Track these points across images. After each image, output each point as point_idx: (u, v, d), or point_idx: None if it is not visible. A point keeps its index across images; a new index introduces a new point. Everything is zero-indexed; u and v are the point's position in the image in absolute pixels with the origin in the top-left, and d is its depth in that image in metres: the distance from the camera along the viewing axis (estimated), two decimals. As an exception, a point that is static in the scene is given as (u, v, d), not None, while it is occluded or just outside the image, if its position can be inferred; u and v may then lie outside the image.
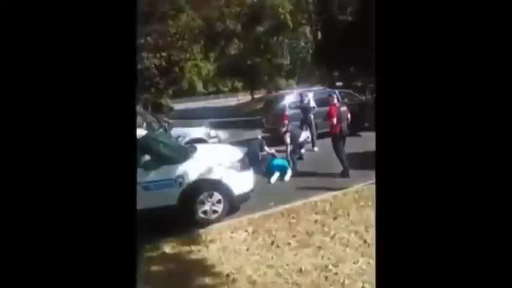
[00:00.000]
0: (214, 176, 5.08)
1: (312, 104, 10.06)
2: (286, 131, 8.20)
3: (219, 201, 5.08)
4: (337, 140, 6.99)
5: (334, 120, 6.85)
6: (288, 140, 8.09)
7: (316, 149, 9.47)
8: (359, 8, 17.90)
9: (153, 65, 21.00)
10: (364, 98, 13.43)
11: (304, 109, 9.89)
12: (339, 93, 11.91)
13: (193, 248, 4.15)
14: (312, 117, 9.82)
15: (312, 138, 9.54)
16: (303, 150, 8.71)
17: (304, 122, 9.71)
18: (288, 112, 10.19)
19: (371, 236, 3.98)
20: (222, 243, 4.20)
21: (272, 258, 3.77)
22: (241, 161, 5.51)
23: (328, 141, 7.57)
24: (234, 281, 3.39)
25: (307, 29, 29.02)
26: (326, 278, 3.31)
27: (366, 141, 9.52)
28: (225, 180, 5.12)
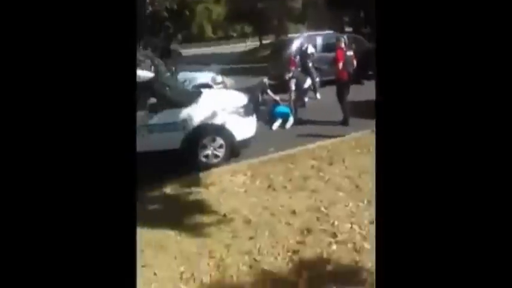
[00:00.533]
0: (217, 121, 5.19)
1: (311, 50, 9.78)
2: (291, 77, 8.12)
3: (220, 146, 5.24)
4: (342, 86, 6.94)
5: (340, 65, 6.76)
6: (292, 86, 8.01)
7: (318, 96, 9.38)
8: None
9: (163, 8, 20.37)
10: (370, 45, 12.99)
11: (304, 56, 9.69)
12: (347, 38, 11.57)
13: (193, 189, 4.37)
14: (311, 64, 9.60)
15: (314, 86, 9.35)
16: (306, 99, 8.69)
17: (304, 69, 9.49)
18: (294, 58, 10.01)
19: (363, 181, 4.13)
20: (221, 186, 4.41)
21: (268, 200, 3.98)
22: (245, 107, 5.57)
23: (332, 88, 7.53)
24: (230, 220, 3.62)
25: (320, -30, 27.40)
26: (317, 218, 3.51)
27: (368, 90, 9.45)
28: (227, 126, 5.23)
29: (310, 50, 9.77)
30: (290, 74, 8.18)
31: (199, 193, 4.29)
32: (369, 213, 3.46)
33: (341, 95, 6.94)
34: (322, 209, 3.67)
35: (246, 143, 5.50)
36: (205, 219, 3.67)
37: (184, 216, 3.74)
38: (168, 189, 4.45)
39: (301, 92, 8.11)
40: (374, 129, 6.04)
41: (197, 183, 4.56)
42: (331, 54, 8.49)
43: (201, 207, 3.95)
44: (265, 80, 8.96)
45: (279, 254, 3.03)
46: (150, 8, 19.62)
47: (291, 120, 7.29)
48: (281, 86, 9.03)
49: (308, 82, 8.50)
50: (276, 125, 7.20)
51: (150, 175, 4.42)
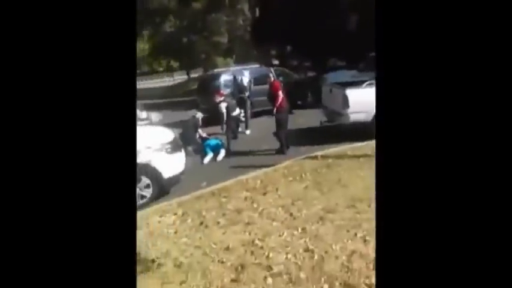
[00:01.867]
0: (142, 159, 4.90)
1: (246, 81, 9.75)
2: (221, 101, 8.08)
3: (147, 186, 4.94)
4: (282, 115, 7.03)
5: (281, 95, 6.92)
6: (223, 109, 7.91)
7: (248, 131, 9.16)
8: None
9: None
10: (298, 76, 13.71)
11: (240, 88, 9.70)
12: (274, 71, 12.02)
13: (118, 235, 4.00)
14: (247, 95, 9.59)
15: (246, 120, 9.27)
16: (239, 128, 8.70)
17: (240, 102, 9.36)
18: (223, 90, 10.08)
19: (296, 209, 4.12)
20: (149, 228, 4.10)
21: (200, 238, 3.76)
22: (172, 142, 5.36)
23: (263, 119, 7.65)
24: (159, 265, 3.33)
25: (245, 6, 28.67)
26: (252, 252, 3.37)
27: (298, 119, 9.82)
28: (153, 164, 4.97)
29: (246, 81, 9.69)
30: (220, 98, 8.14)
31: (124, 239, 3.93)
32: (303, 241, 3.42)
33: (281, 124, 7.01)
34: (257, 241, 3.55)
35: (175, 179, 5.25)
36: (132, 267, 3.34)
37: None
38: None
39: (231, 118, 8.03)
40: (304, 156, 6.19)
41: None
42: (261, 87, 8.72)
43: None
44: (198, 114, 8.77)
45: (213, 296, 2.82)
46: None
47: (223, 152, 7.20)
48: (212, 119, 8.99)
49: (237, 111, 8.50)
50: (208, 158, 7.06)
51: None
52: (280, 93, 6.94)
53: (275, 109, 7.05)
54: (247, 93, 9.56)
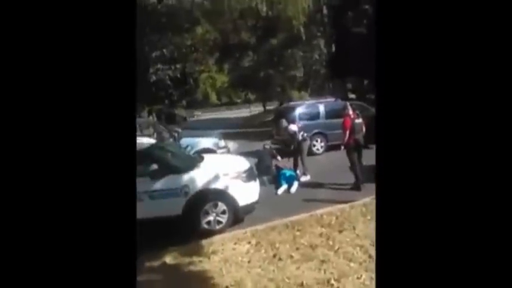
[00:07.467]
0: (219, 185, 5.06)
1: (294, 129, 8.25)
2: (303, 140, 8.06)
3: (223, 212, 5.04)
4: (351, 151, 6.88)
5: (347, 132, 6.81)
6: (305, 149, 7.98)
7: (308, 177, 7.76)
8: (374, 20, 17.83)
9: (167, 77, 21.38)
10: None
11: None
12: (350, 105, 11.84)
13: (194, 258, 4.10)
14: (300, 139, 8.09)
15: (303, 163, 7.95)
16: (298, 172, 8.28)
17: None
18: (298, 123, 10.11)
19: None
20: (224, 255, 4.14)
21: (273, 271, 3.69)
22: (247, 171, 5.47)
23: (339, 152, 7.50)
24: (233, 293, 3.33)
25: (322, 42, 29.05)
26: (327, 292, 3.22)
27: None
28: (230, 191, 5.09)
29: (294, 128, 8.25)
30: (296, 129, 8.14)
31: (200, 263, 4.01)
32: (384, 287, 3.17)
33: (352, 160, 6.84)
34: (333, 281, 3.38)
35: (249, 208, 5.30)
36: (206, 292, 3.38)
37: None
38: (169, 258, 4.17)
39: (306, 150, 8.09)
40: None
41: (199, 251, 4.30)
42: (337, 120, 8.57)
43: (202, 278, 3.67)
44: (267, 146, 8.88)
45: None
46: (153, 77, 20.61)
47: (296, 184, 7.14)
48: (284, 151, 9.03)
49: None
50: (282, 189, 7.04)
51: (151, 243, 4.19)
52: (347, 132, 6.78)
53: (342, 146, 6.99)
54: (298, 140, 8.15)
